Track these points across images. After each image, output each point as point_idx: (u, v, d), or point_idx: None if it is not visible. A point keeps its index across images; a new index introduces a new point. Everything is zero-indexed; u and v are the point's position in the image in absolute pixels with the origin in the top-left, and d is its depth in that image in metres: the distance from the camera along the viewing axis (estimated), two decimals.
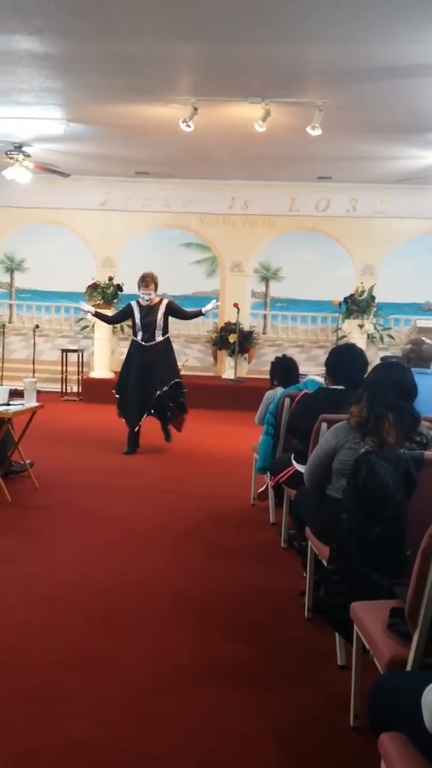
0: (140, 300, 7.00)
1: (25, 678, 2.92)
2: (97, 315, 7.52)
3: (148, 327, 6.97)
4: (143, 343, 6.99)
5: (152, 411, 6.97)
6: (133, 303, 7.07)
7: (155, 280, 7.00)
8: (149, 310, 6.98)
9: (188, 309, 7.30)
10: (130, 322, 7.22)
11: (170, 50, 5.29)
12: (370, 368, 3.49)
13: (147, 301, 6.97)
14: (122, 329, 10.49)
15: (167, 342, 7.11)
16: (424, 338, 4.55)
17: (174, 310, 7.08)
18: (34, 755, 2.43)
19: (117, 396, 7.13)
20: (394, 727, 1.90)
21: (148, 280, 6.95)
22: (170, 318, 7.04)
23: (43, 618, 3.47)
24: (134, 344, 7.10)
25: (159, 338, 6.99)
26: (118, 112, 6.96)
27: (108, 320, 7.79)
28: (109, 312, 9.99)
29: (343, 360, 3.92)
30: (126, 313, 7.18)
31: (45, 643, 3.21)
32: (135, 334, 7.08)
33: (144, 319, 6.97)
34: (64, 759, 2.42)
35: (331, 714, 2.72)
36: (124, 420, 7.08)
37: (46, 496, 5.57)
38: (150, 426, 7.18)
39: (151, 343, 6.98)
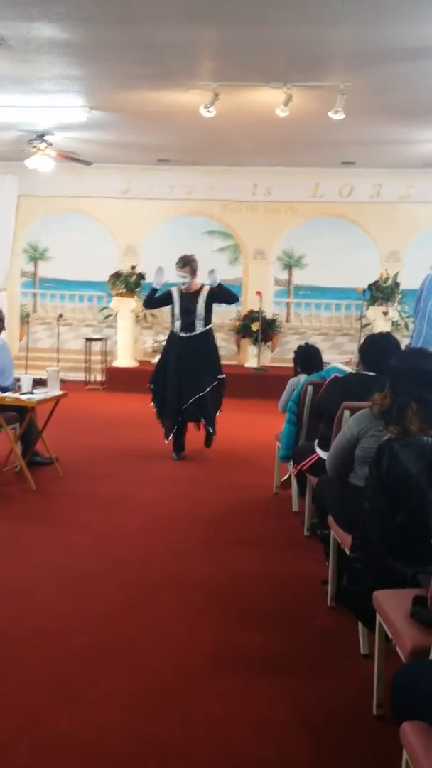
0: (180, 286, 6.45)
1: (51, 663, 2.95)
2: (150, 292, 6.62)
3: (187, 316, 6.38)
4: (181, 334, 6.41)
5: (182, 419, 6.43)
6: (173, 289, 6.49)
7: (191, 262, 6.41)
8: (189, 298, 6.42)
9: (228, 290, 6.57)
10: (170, 310, 6.59)
11: (191, 35, 5.24)
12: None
13: (184, 285, 6.41)
14: (145, 317, 10.52)
15: (208, 334, 6.50)
16: None
17: (217, 296, 6.44)
18: (60, 740, 2.45)
19: (152, 390, 6.55)
20: (416, 716, 1.90)
21: (183, 262, 6.38)
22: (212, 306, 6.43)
23: (68, 604, 3.50)
24: (172, 336, 6.54)
25: (199, 329, 6.39)
26: (139, 99, 6.92)
27: (145, 302, 6.79)
28: (133, 300, 10.09)
29: (378, 349, 3.89)
30: (164, 300, 6.53)
31: (70, 630, 3.24)
32: (173, 324, 6.52)
33: (183, 307, 6.41)
34: (89, 744, 2.44)
35: (354, 702, 2.72)
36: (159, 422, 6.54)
37: (70, 483, 5.60)
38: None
39: (191, 334, 6.39)
